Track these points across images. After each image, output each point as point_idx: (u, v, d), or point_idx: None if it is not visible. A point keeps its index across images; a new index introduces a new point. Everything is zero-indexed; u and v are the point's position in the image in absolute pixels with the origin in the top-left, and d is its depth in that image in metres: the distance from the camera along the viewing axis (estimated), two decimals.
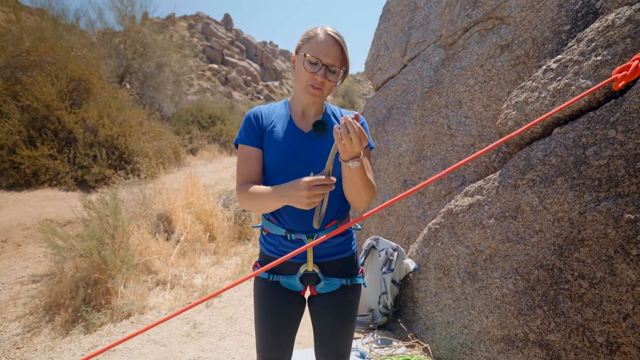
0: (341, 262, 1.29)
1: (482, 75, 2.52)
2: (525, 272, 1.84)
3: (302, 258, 1.24)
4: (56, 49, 6.82)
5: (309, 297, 1.34)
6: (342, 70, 1.17)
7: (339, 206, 1.24)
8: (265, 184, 1.24)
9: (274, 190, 1.09)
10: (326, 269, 1.27)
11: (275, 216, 1.25)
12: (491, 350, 1.98)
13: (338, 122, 1.27)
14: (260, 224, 1.33)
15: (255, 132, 1.21)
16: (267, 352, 1.30)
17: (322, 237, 0.89)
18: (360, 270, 1.35)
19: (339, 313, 1.29)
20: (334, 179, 1.00)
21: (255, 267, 1.34)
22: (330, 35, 1.14)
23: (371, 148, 1.29)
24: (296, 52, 1.19)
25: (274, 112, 1.26)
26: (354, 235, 1.37)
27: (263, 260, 1.31)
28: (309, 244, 0.87)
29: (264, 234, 1.30)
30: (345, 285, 1.29)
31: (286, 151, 1.17)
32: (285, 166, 1.17)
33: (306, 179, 1.00)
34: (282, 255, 1.22)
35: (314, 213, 1.16)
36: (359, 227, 1.36)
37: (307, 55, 1.13)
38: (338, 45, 1.14)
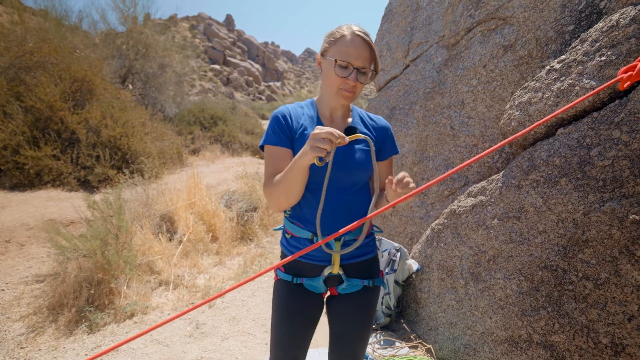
0: (364, 263, 1.28)
1: (485, 76, 2.51)
2: (529, 272, 1.84)
3: (327, 260, 1.23)
4: (59, 50, 6.84)
5: (328, 298, 1.33)
6: (372, 70, 1.15)
7: (362, 214, 1.24)
8: None
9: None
10: (349, 271, 1.26)
11: (301, 219, 1.22)
12: (495, 351, 1.98)
13: (366, 126, 1.27)
14: (282, 226, 1.31)
15: (285, 132, 1.18)
16: (282, 355, 1.28)
17: (343, 229, 0.88)
18: (381, 272, 1.35)
19: (358, 314, 1.28)
20: (346, 140, 0.96)
21: (277, 269, 1.31)
22: (358, 35, 1.11)
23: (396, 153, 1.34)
24: (322, 54, 1.16)
25: (303, 113, 1.23)
26: (375, 237, 1.37)
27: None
28: (319, 242, 0.84)
29: (287, 236, 1.28)
30: (366, 286, 1.28)
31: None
32: (317, 170, 1.14)
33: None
34: (307, 259, 1.22)
35: (338, 215, 1.18)
36: (380, 229, 1.36)
37: (337, 60, 1.10)
38: (367, 45, 1.11)
